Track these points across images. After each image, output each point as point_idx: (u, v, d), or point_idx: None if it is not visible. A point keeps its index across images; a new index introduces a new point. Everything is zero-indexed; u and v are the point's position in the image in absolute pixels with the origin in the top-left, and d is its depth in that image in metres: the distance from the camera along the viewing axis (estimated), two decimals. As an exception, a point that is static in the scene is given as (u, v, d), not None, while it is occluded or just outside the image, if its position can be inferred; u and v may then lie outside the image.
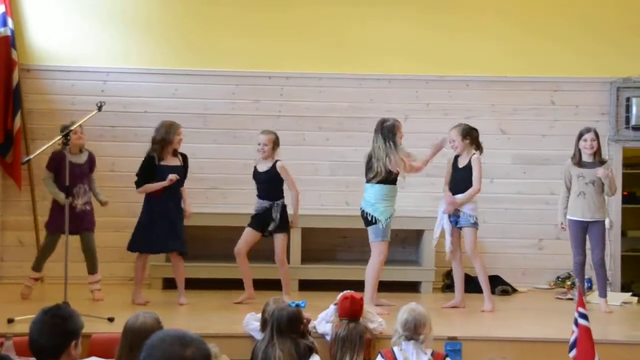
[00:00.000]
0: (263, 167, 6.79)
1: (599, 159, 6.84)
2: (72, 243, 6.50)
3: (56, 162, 6.70)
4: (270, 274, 6.98)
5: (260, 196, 6.77)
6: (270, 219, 6.69)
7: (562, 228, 7.04)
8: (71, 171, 6.20)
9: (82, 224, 6.74)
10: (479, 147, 6.82)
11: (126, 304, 6.59)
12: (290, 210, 6.84)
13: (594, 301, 6.89)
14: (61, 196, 6.50)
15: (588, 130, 6.86)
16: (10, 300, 6.52)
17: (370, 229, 6.55)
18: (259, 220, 6.75)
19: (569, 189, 6.95)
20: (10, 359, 3.77)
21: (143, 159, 6.64)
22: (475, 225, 6.74)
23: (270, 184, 6.74)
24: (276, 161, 6.76)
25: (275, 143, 6.76)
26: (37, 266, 6.85)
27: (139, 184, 6.64)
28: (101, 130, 7.86)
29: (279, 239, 6.73)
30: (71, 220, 6.22)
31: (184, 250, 6.71)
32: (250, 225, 6.79)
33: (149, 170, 6.58)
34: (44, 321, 3.24)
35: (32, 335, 3.24)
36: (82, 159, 6.84)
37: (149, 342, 2.27)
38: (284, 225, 6.74)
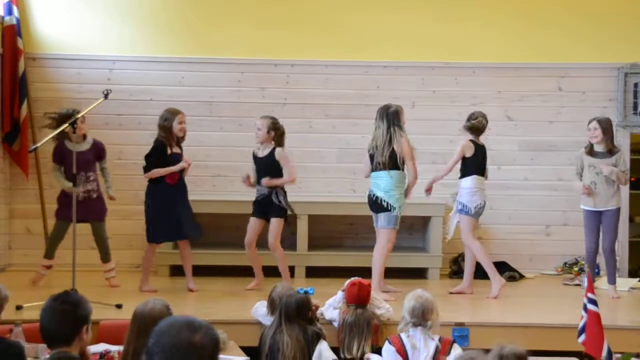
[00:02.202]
0: (261, 153, 6.78)
1: (608, 149, 6.75)
2: (81, 230, 6.54)
3: (58, 152, 6.71)
4: (276, 260, 6.98)
5: (259, 183, 6.77)
6: (270, 204, 6.69)
7: (585, 188, 6.74)
8: (71, 160, 6.18)
9: (89, 212, 6.71)
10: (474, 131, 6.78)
11: (134, 291, 6.62)
12: (290, 199, 6.83)
13: (602, 287, 6.88)
14: (67, 184, 6.55)
15: (592, 119, 6.83)
16: (18, 288, 6.51)
17: (383, 215, 6.50)
18: (261, 208, 6.75)
19: (580, 176, 6.88)
20: (20, 346, 3.78)
21: (153, 144, 6.63)
22: (462, 212, 6.71)
23: (269, 170, 6.70)
24: (275, 147, 6.73)
25: (271, 127, 6.70)
26: (49, 254, 6.87)
27: (147, 168, 6.63)
28: (107, 118, 7.87)
29: (274, 223, 6.70)
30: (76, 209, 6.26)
31: (198, 235, 6.72)
32: (253, 214, 6.80)
33: (161, 156, 6.57)
34: (53, 308, 3.24)
35: (43, 322, 3.24)
36: (84, 147, 6.79)
37: (157, 329, 2.27)
38: (282, 210, 6.73)
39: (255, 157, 6.82)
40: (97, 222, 6.83)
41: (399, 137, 6.42)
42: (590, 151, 6.81)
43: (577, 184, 6.86)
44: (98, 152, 6.90)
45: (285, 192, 6.77)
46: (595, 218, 6.81)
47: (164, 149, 6.58)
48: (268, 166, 6.70)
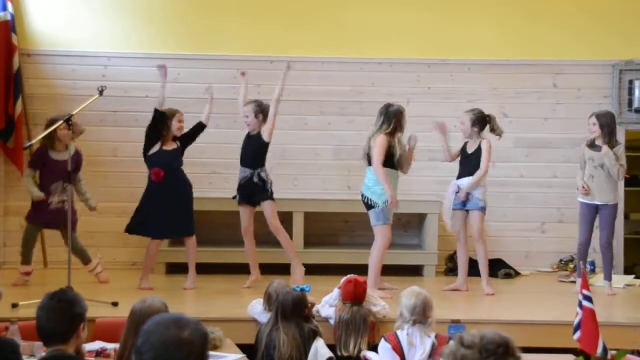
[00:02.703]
0: (253, 132, 6.82)
1: (606, 143, 6.71)
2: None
3: (38, 158, 6.66)
4: (276, 258, 6.98)
5: (242, 164, 6.80)
6: (253, 188, 6.70)
7: (584, 188, 6.79)
8: (52, 167, 6.20)
9: (60, 220, 6.57)
10: (493, 130, 6.79)
11: (130, 288, 6.60)
12: (286, 196, 6.91)
13: (597, 284, 6.90)
14: (36, 193, 6.54)
15: (592, 114, 6.84)
16: (13, 285, 6.52)
17: (370, 213, 6.54)
18: (245, 193, 6.76)
19: (583, 169, 6.87)
20: (16, 343, 3.77)
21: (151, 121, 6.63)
22: (483, 209, 6.74)
23: (252, 151, 6.75)
24: (260, 130, 6.76)
25: (258, 111, 6.75)
26: (25, 259, 6.79)
27: (145, 146, 6.63)
28: (102, 115, 7.84)
29: (267, 207, 6.73)
30: (46, 216, 6.25)
31: (188, 234, 6.70)
32: (240, 202, 6.80)
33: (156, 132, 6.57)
34: (50, 306, 3.23)
35: (40, 320, 3.23)
36: (65, 156, 6.55)
37: (145, 328, 2.27)
38: (268, 192, 6.74)
39: (244, 138, 6.86)
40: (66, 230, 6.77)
41: (379, 134, 6.41)
42: (592, 144, 6.82)
43: (578, 181, 6.86)
44: (77, 161, 6.76)
45: (267, 172, 6.76)
46: (591, 212, 6.82)
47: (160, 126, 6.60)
48: (255, 146, 6.75)
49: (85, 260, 6.89)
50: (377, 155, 6.38)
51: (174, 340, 2.21)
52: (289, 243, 6.86)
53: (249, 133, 6.85)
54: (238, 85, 8.05)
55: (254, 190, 6.72)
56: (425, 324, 4.57)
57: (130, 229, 6.69)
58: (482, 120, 6.79)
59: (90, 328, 4.50)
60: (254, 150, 6.75)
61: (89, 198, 6.86)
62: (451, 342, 2.32)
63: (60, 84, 7.99)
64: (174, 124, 6.61)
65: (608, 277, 6.85)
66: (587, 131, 6.86)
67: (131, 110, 7.93)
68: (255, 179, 6.71)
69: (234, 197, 6.83)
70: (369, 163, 6.51)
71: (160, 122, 6.56)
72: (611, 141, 6.75)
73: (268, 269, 6.94)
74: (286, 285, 5.27)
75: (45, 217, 6.37)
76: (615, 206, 6.84)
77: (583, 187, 6.77)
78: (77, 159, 6.74)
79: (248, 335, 5.26)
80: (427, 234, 7.63)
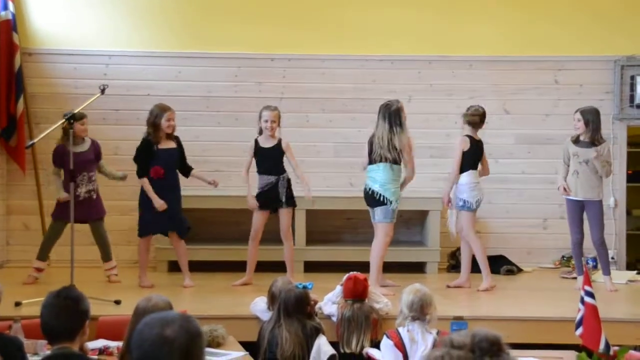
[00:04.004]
0: (268, 144, 6.79)
1: (591, 139, 6.69)
2: (80, 226, 6.57)
3: (59, 156, 6.68)
4: (276, 255, 6.99)
5: (265, 172, 6.79)
6: (277, 194, 6.71)
7: (564, 189, 6.83)
8: (73, 160, 6.20)
9: (89, 213, 6.74)
10: (474, 125, 6.80)
11: (132, 286, 6.62)
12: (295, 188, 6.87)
13: (599, 280, 6.89)
14: (62, 194, 6.62)
15: (577, 110, 6.82)
16: (17, 284, 6.54)
17: (379, 209, 6.52)
18: (266, 198, 6.76)
19: (566, 165, 6.90)
20: (20, 341, 3.79)
21: (140, 143, 6.64)
22: (464, 207, 6.72)
23: (275, 160, 6.79)
24: (280, 139, 6.80)
25: (279, 119, 6.80)
26: (42, 255, 6.83)
27: (140, 171, 6.63)
28: (104, 113, 7.85)
29: (285, 214, 6.76)
30: (75, 209, 6.26)
31: (182, 231, 6.71)
32: (260, 208, 6.79)
33: (147, 154, 6.59)
34: (56, 304, 3.22)
35: (45, 318, 3.21)
36: (84, 147, 6.79)
37: (138, 327, 2.31)
38: (290, 199, 6.78)
39: (259, 148, 6.80)
40: (96, 222, 6.83)
41: (400, 135, 6.42)
42: (576, 140, 6.81)
43: (559, 180, 6.88)
44: (96, 151, 6.89)
45: (289, 180, 6.81)
46: (577, 208, 6.80)
47: (150, 147, 6.59)
48: (276, 156, 6.78)
49: (108, 256, 6.92)
50: (412, 156, 6.54)
51: (156, 338, 2.25)
52: (292, 253, 6.89)
53: (260, 145, 6.79)
54: (239, 84, 8.11)
55: (278, 196, 6.73)
56: (424, 321, 4.58)
57: (140, 232, 6.72)
58: (466, 116, 6.80)
59: (94, 326, 4.51)
60: (277, 158, 6.79)
61: (116, 173, 6.99)
62: (440, 347, 2.29)
63: (61, 82, 8.00)
64: (163, 123, 6.58)
65: (607, 272, 6.84)
66: (574, 127, 6.83)
67: (133, 108, 7.93)
68: (281, 185, 6.74)
69: (258, 203, 6.78)
70: (382, 160, 6.46)
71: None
72: (596, 137, 6.72)
73: (271, 267, 6.94)
74: (289, 283, 5.27)
75: (74, 211, 6.37)
76: (600, 202, 6.82)
77: (564, 189, 6.79)
78: (95, 148, 6.87)
79: (251, 333, 5.27)
80: (430, 231, 7.63)
